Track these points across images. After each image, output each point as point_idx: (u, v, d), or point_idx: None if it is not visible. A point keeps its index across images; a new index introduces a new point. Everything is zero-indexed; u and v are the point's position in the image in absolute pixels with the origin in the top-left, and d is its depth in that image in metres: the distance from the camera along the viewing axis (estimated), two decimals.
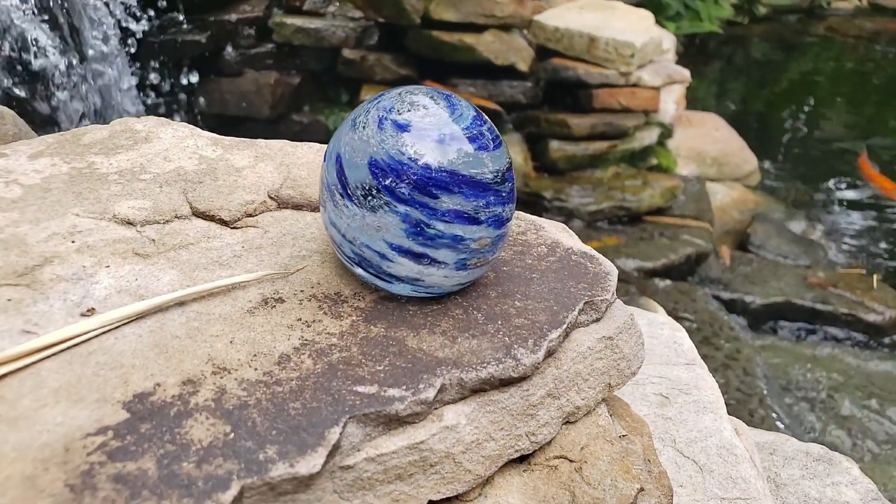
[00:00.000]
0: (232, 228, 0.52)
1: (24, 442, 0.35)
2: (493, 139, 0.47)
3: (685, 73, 2.17)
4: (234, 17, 1.54)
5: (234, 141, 0.62)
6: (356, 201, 0.44)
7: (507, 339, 0.47)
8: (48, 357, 0.39)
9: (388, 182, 0.43)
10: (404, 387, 0.42)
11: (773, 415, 1.29)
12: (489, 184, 0.45)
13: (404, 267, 0.45)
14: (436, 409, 0.43)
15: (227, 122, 1.56)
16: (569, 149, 2.04)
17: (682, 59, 2.63)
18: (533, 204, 1.94)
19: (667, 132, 2.19)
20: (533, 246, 0.57)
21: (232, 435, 0.37)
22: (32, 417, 0.36)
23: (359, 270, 0.47)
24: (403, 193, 0.43)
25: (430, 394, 0.42)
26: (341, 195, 0.44)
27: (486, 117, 0.48)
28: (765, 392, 1.36)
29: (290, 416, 0.39)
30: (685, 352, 0.72)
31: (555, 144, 2.03)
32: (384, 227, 0.44)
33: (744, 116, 3.13)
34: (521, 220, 0.61)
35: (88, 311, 0.43)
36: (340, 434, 0.39)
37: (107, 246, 0.48)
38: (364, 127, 0.44)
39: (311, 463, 0.37)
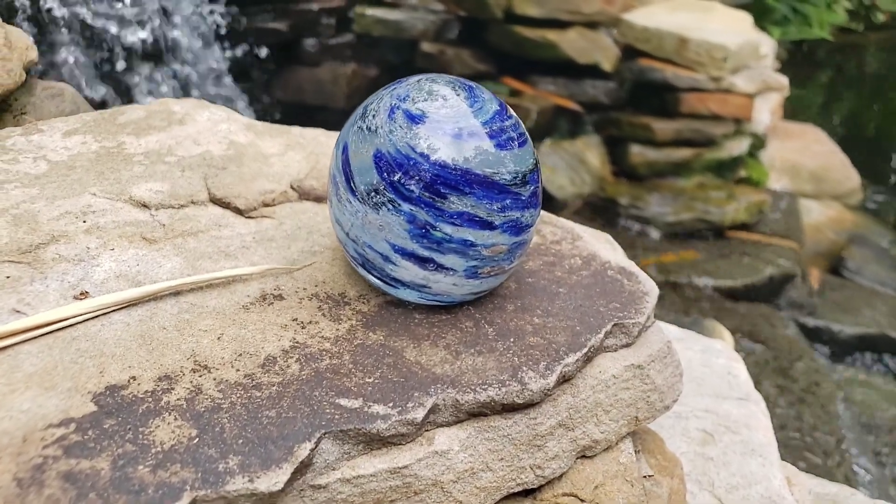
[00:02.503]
0: (246, 218, 0.50)
1: None
2: (518, 136, 0.41)
3: (783, 81, 2.00)
4: (315, 6, 1.55)
5: (267, 127, 0.59)
6: (359, 197, 0.40)
7: (516, 359, 0.42)
8: (31, 339, 0.38)
9: (393, 178, 0.39)
10: (391, 404, 0.38)
11: (852, 460, 1.16)
12: (507, 185, 0.40)
13: (409, 271, 0.41)
14: (426, 430, 0.39)
15: (303, 110, 1.57)
16: (650, 154, 1.93)
17: (786, 67, 2.44)
18: (606, 210, 1.85)
19: (759, 143, 2.03)
20: (566, 257, 0.52)
21: (196, 440, 0.35)
22: (4, 402, 0.35)
23: (362, 272, 0.43)
24: (409, 191, 0.39)
25: (419, 414, 0.38)
26: (345, 189, 0.41)
27: (513, 112, 0.43)
28: (844, 433, 1.22)
29: (262, 426, 0.36)
30: (740, 385, 0.63)
31: (636, 149, 1.93)
32: (387, 226, 0.39)
33: (851, 131, 2.88)
34: (558, 228, 0.55)
35: (81, 294, 0.41)
36: (313, 450, 0.35)
37: (116, 228, 0.46)
38: (374, 115, 0.41)
39: (272, 479, 0.33)
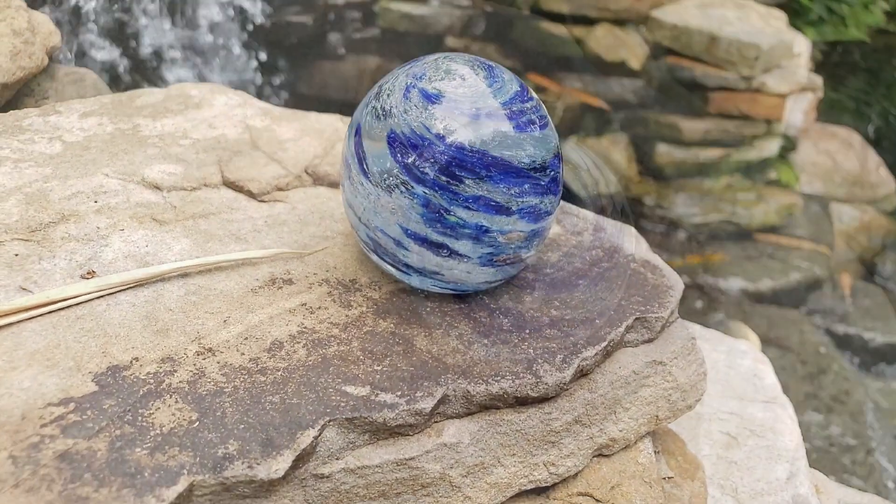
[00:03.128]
0: (259, 201, 0.49)
1: None
2: (539, 119, 0.40)
3: (817, 82, 1.94)
4: (341, 0, 1.54)
5: (285, 112, 0.58)
6: (372, 179, 0.38)
7: (531, 351, 0.40)
8: (35, 317, 0.37)
9: (407, 160, 0.37)
10: (399, 393, 0.36)
11: (882, 469, 1.11)
12: (525, 170, 0.38)
13: (421, 257, 0.39)
14: (435, 422, 0.37)
15: (327, 105, 1.56)
16: (678, 154, 1.89)
17: (821, 68, 2.37)
18: (631, 210, 1.81)
19: (790, 144, 1.98)
20: (588, 249, 0.49)
21: (197, 424, 0.33)
22: (2, 379, 0.34)
23: (374, 257, 0.42)
24: (424, 174, 0.37)
25: (428, 404, 0.36)
26: (358, 171, 0.39)
27: (534, 94, 0.41)
28: (874, 442, 1.17)
29: (265, 411, 0.34)
30: (767, 388, 0.61)
31: (663, 148, 1.89)
32: (400, 210, 0.38)
33: (886, 134, 2.79)
34: (580, 219, 0.53)
35: (88, 273, 0.40)
36: (316, 438, 0.34)
37: (128, 209, 0.45)
38: (389, 95, 0.39)
39: (272, 467, 0.32)
